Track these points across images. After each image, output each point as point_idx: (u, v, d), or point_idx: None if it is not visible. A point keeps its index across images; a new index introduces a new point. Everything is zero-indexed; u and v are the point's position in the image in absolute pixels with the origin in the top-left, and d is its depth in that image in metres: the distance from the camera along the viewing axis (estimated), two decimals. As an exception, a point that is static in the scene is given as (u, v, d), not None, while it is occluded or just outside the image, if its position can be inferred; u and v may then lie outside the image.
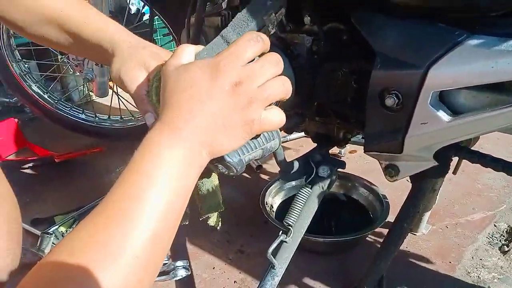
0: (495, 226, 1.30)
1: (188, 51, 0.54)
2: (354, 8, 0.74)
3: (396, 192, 1.35)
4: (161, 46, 2.24)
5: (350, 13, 0.74)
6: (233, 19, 0.59)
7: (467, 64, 0.59)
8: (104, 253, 0.41)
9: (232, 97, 0.48)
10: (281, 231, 0.81)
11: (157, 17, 1.54)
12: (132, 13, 1.69)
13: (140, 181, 0.46)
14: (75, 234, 0.44)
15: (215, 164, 0.55)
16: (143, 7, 1.67)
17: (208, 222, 0.79)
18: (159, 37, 2.08)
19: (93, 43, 0.65)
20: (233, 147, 0.52)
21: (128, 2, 1.63)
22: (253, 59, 0.51)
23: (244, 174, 1.64)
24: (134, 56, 0.63)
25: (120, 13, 1.65)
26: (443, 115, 0.64)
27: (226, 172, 0.60)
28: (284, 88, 0.52)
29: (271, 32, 0.66)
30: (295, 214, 0.81)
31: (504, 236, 1.26)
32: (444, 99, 0.66)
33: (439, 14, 0.64)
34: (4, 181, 0.53)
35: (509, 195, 1.47)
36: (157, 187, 0.46)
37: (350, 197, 1.38)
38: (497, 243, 1.23)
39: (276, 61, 0.51)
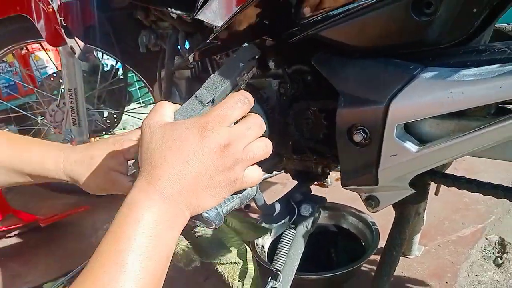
0: (486, 239, 1.31)
1: (168, 108, 0.55)
2: (312, 51, 0.76)
3: (386, 217, 1.35)
4: (139, 97, 2.25)
5: (309, 56, 0.77)
6: (206, 80, 0.60)
7: (424, 96, 0.60)
8: None
9: (219, 159, 0.50)
10: (269, 277, 0.80)
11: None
12: (106, 70, 1.72)
13: (120, 246, 0.45)
14: None
15: (193, 220, 0.55)
16: (116, 63, 1.69)
17: None
18: (136, 88, 2.11)
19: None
20: (214, 205, 0.53)
21: (101, 60, 1.66)
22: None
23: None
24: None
25: (94, 72, 1.68)
26: (411, 146, 0.65)
27: (205, 227, 0.60)
28: (267, 149, 0.54)
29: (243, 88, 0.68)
30: (282, 258, 0.81)
31: (496, 248, 1.26)
32: (410, 130, 0.68)
33: (394, 50, 0.67)
34: None
35: (496, 205, 1.48)
36: (137, 253, 0.45)
37: (340, 227, 1.37)
38: (490, 256, 1.23)
39: (260, 123, 0.54)
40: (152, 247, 0.46)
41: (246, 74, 0.65)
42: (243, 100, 0.53)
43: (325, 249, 1.37)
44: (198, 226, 0.59)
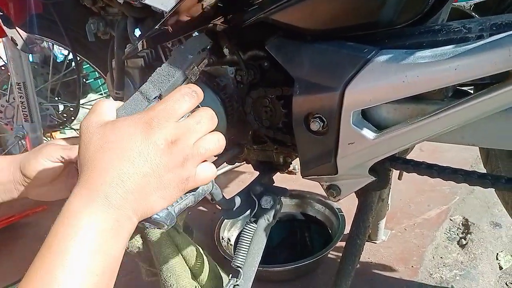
0: (451, 220, 1.32)
1: (109, 107, 0.51)
2: (266, 36, 0.72)
3: (353, 201, 1.35)
4: (99, 87, 2.15)
5: (264, 41, 0.73)
6: (152, 74, 0.55)
7: (379, 81, 0.58)
8: None
9: (167, 156, 0.46)
10: (230, 275, 0.76)
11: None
12: (59, 61, 1.62)
13: (56, 260, 0.41)
14: None
15: (142, 222, 0.51)
16: (68, 53, 1.60)
17: None
18: (93, 79, 2.01)
19: None
20: (165, 206, 0.49)
21: (52, 51, 1.57)
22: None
23: (200, 208, 1.59)
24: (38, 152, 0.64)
25: (45, 63, 1.59)
26: (368, 133, 0.63)
27: (155, 229, 0.56)
28: (220, 144, 0.51)
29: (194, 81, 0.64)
30: (242, 254, 0.78)
31: (460, 229, 1.27)
32: (367, 116, 0.65)
33: (348, 32, 0.64)
34: None
35: (460, 185, 1.49)
36: (73, 269, 0.41)
37: (307, 214, 1.36)
38: (455, 237, 1.24)
39: (211, 116, 0.51)
40: (92, 260, 0.42)
41: (196, 67, 0.61)
42: (191, 93, 0.50)
43: (298, 235, 1.36)
44: (147, 228, 0.55)
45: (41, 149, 0.65)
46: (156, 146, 0.46)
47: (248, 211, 0.85)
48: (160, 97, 0.54)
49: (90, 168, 0.45)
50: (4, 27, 0.98)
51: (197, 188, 0.55)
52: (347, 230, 1.17)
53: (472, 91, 0.63)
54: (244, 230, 0.81)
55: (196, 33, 0.80)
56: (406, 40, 0.61)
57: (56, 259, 0.41)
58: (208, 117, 0.50)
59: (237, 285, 0.77)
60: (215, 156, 0.93)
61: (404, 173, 1.08)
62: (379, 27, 0.61)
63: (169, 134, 0.46)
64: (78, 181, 0.46)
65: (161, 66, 0.57)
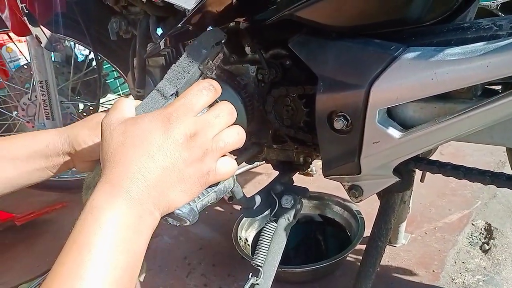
0: (473, 224, 1.29)
1: (129, 105, 0.51)
2: (289, 34, 0.72)
3: (372, 205, 1.33)
4: (118, 87, 2.17)
5: (287, 39, 0.72)
6: (168, 71, 0.56)
7: (407, 78, 0.57)
8: None
9: (187, 150, 0.46)
10: (250, 273, 0.76)
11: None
12: (80, 60, 1.65)
13: (81, 255, 0.41)
14: None
15: (165, 218, 0.51)
16: (90, 53, 1.62)
17: None
18: (113, 78, 2.03)
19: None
20: (186, 201, 0.49)
21: (73, 50, 1.59)
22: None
23: (217, 208, 1.59)
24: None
25: (67, 62, 1.61)
26: (394, 132, 0.62)
27: (178, 225, 0.56)
28: (239, 137, 0.51)
29: (211, 76, 0.64)
30: (263, 253, 0.77)
31: (483, 233, 1.24)
32: (393, 115, 0.64)
33: (374, 30, 0.63)
34: None
35: (483, 190, 1.46)
36: (99, 263, 0.41)
37: (326, 217, 1.34)
38: (477, 242, 1.21)
39: (230, 110, 0.51)
40: (116, 255, 0.42)
41: (211, 61, 0.60)
42: (208, 87, 0.50)
43: (314, 238, 1.34)
44: (170, 224, 0.55)
45: (92, 124, 0.64)
46: (176, 140, 0.46)
47: (268, 210, 0.84)
48: (176, 93, 0.55)
49: (112, 163, 0.46)
50: (30, 25, 0.99)
51: (219, 185, 0.55)
52: (366, 233, 1.16)
53: (500, 91, 0.62)
54: (265, 229, 0.81)
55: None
56: (433, 38, 0.60)
57: (80, 254, 0.41)
58: (227, 111, 0.50)
59: (257, 284, 0.77)
60: (234, 154, 0.93)
61: (426, 175, 1.06)
62: (406, 25, 0.60)
63: (188, 128, 0.46)
64: (101, 177, 0.46)
65: (175, 63, 0.57)
